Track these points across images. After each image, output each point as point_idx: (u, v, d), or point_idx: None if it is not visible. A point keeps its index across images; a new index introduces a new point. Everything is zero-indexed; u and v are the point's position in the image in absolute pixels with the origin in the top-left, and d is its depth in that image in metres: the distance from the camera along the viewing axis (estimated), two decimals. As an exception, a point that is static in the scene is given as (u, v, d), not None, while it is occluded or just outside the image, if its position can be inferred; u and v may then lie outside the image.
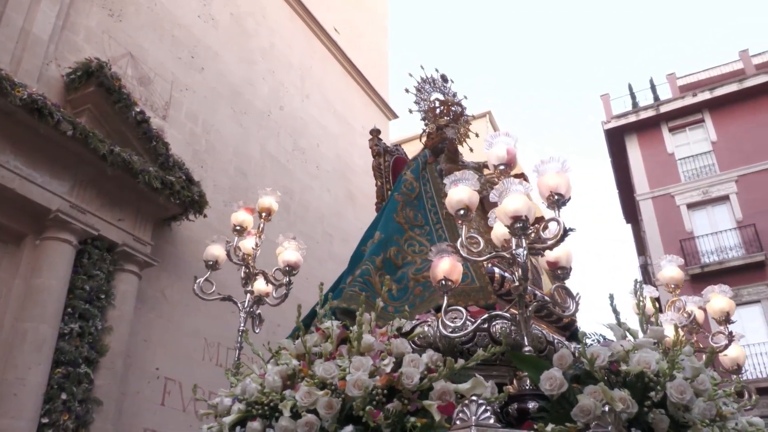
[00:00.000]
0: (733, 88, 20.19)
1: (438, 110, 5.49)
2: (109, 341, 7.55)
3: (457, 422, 2.41)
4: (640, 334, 3.14)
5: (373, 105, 17.18)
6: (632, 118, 21.51)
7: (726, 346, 4.05)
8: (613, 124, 21.75)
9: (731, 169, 19.35)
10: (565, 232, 3.07)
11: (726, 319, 4.08)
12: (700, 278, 16.52)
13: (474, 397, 2.45)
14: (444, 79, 5.65)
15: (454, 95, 5.62)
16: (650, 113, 21.33)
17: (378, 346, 2.99)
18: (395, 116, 18.04)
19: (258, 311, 4.93)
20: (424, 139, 5.46)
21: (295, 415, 2.76)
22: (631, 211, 23.41)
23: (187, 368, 8.84)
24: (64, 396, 6.87)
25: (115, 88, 8.06)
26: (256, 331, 4.87)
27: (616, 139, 21.86)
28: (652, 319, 3.28)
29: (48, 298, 7.06)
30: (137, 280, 8.25)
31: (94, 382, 7.27)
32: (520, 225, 3.03)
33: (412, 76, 5.48)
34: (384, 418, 2.56)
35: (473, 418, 2.34)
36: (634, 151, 21.26)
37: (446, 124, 5.35)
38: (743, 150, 19.32)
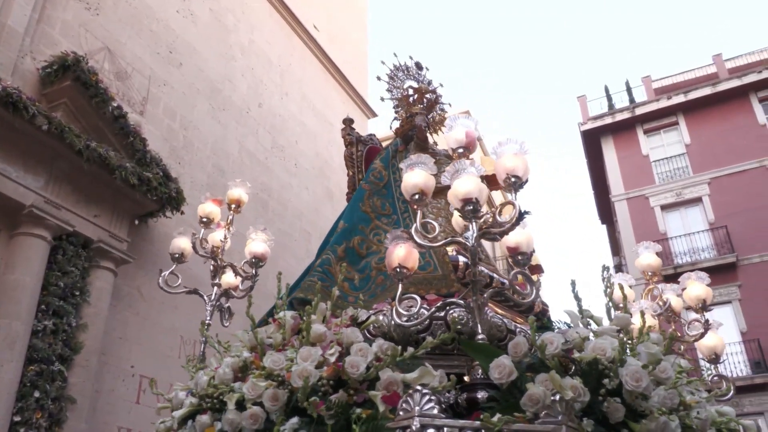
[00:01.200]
0: (706, 91, 20.55)
1: (411, 98, 5.33)
2: (84, 339, 7.46)
3: (401, 413, 2.34)
4: (607, 322, 3.08)
5: (353, 103, 17.17)
6: (608, 120, 21.79)
7: (702, 335, 3.99)
8: (590, 125, 22.00)
9: (704, 171, 19.71)
10: (521, 216, 2.97)
11: (703, 307, 4.01)
12: (673, 279, 16.72)
13: (419, 387, 2.37)
14: (418, 66, 5.49)
15: (429, 83, 5.46)
16: (626, 115, 21.62)
17: (331, 336, 2.91)
18: (374, 115, 18.05)
19: (227, 304, 4.82)
20: (395, 126, 5.32)
21: (244, 407, 2.70)
22: (606, 212, 23.71)
23: (162, 366, 8.76)
24: (37, 394, 6.78)
25: (92, 83, 7.95)
26: (225, 325, 4.80)
27: (592, 141, 22.12)
28: (622, 306, 3.20)
29: (21, 295, 6.96)
30: (113, 277, 8.16)
31: (68, 379, 7.19)
32: (470, 208, 2.92)
33: (384, 63, 5.33)
34: (326, 409, 2.49)
35: (416, 408, 2.27)
36: (609, 152, 21.53)
37: (419, 111, 5.21)
38: (716, 153, 19.68)
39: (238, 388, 2.83)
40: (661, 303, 4.13)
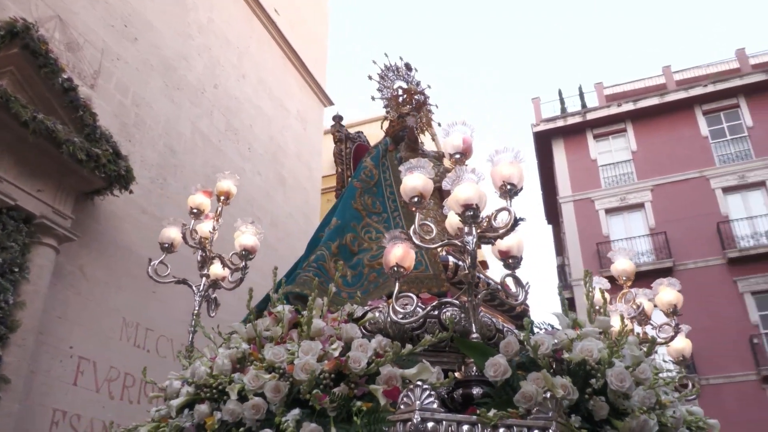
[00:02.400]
0: (654, 101, 21.21)
1: (401, 98, 5.45)
2: (21, 317, 7.18)
3: (402, 406, 2.45)
4: (588, 324, 3.21)
5: (310, 90, 17.03)
6: (560, 123, 22.25)
7: (672, 338, 4.23)
8: (542, 127, 22.43)
9: (648, 178, 20.37)
10: (516, 222, 3.11)
11: (673, 311, 4.25)
12: (612, 280, 17.32)
13: (419, 382, 2.49)
14: (408, 67, 5.60)
15: (418, 84, 5.58)
16: (577, 119, 22.13)
17: (329, 330, 3.02)
18: (331, 103, 17.95)
19: (214, 295, 4.86)
20: (385, 126, 5.43)
21: (243, 398, 2.77)
22: (553, 213, 24.25)
23: (103, 348, 8.55)
24: (-31, 372, 6.53)
25: (42, 52, 7.63)
26: (212, 315, 4.82)
27: (543, 142, 22.56)
28: (601, 310, 3.36)
29: (-44, 269, 6.67)
30: (55, 255, 7.89)
31: (2, 359, 6.91)
32: (471, 213, 3.06)
33: (375, 63, 5.41)
34: (330, 402, 2.60)
35: (417, 402, 2.38)
36: (559, 154, 22.00)
37: (408, 112, 5.32)
38: (660, 161, 20.36)
39: (237, 379, 2.88)
40: (635, 306, 4.35)
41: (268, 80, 14.98)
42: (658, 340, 4.25)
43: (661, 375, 3.32)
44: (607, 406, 2.65)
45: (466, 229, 3.14)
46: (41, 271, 7.61)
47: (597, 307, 3.37)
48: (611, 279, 4.48)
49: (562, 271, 23.08)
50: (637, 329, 4.32)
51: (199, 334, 4.30)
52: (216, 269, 4.85)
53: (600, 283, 4.10)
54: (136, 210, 9.72)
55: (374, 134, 6.21)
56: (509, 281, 3.33)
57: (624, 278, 4.52)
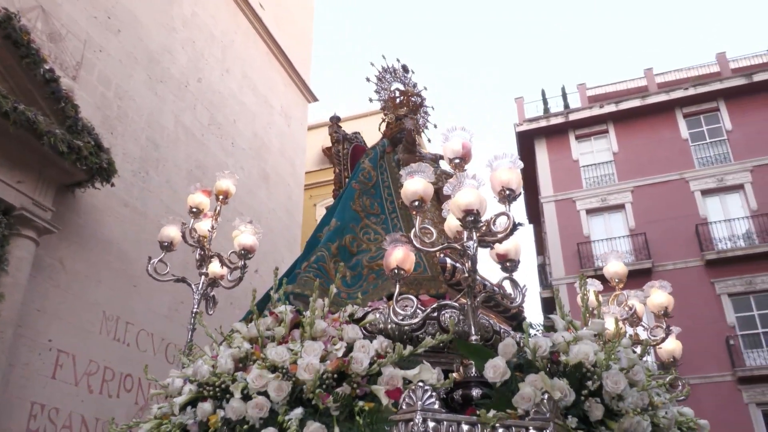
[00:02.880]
0: (636, 103, 21.42)
1: (398, 100, 5.47)
2: (0, 309, 7.13)
3: (404, 406, 2.50)
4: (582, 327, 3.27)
5: (294, 86, 17.00)
6: (543, 123, 22.39)
7: (663, 339, 4.31)
8: (525, 127, 22.55)
9: (628, 179, 20.57)
10: (514, 227, 3.17)
11: (665, 314, 4.32)
12: (603, 280, 17.51)
13: (420, 383, 2.53)
14: (405, 69, 5.62)
15: (415, 86, 5.60)
16: (560, 120, 22.28)
17: (330, 331, 3.07)
18: (315, 99, 17.93)
19: (212, 293, 4.92)
20: (383, 128, 5.46)
21: (246, 397, 2.82)
22: (534, 212, 24.40)
23: (82, 341, 8.50)
24: (-55, 364, 6.46)
25: (24, 42, 7.55)
26: (210, 313, 4.87)
27: (526, 142, 22.69)
28: (594, 312, 3.46)
29: (-67, 260, 6.59)
30: (34, 247, 7.82)
31: (-21, 351, 6.87)
32: (471, 218, 3.10)
33: (374, 65, 5.43)
34: (333, 401, 2.65)
35: (419, 403, 2.43)
36: (542, 154, 22.15)
37: (405, 114, 5.36)
38: (641, 162, 20.58)
39: (240, 377, 2.93)
40: (627, 308, 4.42)
41: (252, 75, 14.93)
42: (651, 341, 4.36)
43: (653, 376, 3.37)
44: (602, 407, 2.71)
45: (467, 234, 3.19)
46: (21, 264, 7.54)
47: (591, 309, 3.44)
48: (601, 279, 4.55)
49: (543, 270, 23.25)
50: (629, 331, 4.41)
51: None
52: (214, 268, 4.90)
53: (593, 285, 4.18)
54: (117, 203, 9.66)
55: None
56: (506, 284, 3.40)
57: (616, 280, 4.58)
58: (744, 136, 19.91)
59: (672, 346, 4.41)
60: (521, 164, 3.30)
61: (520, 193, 3.27)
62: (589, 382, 2.73)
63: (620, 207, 20.38)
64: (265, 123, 15.14)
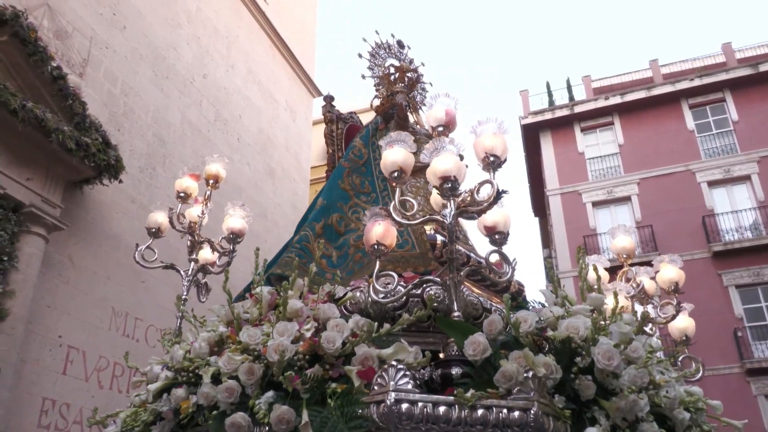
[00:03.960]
0: (641, 95, 21.33)
1: (392, 77, 5.29)
2: (11, 306, 7.17)
3: (375, 387, 2.39)
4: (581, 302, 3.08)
5: (299, 80, 16.99)
6: (548, 116, 22.33)
7: (673, 317, 4.06)
8: (530, 119, 22.50)
9: (634, 171, 20.51)
10: (499, 195, 2.99)
11: (675, 290, 4.07)
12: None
13: (394, 363, 2.41)
14: (400, 44, 5.44)
15: (411, 62, 5.41)
16: (565, 112, 22.21)
17: (307, 311, 2.93)
18: (320, 94, 17.91)
19: (204, 280, 4.80)
20: (375, 104, 5.25)
21: (219, 381, 2.71)
22: (540, 205, 24.39)
23: (92, 337, 8.55)
24: (-42, 361, 6.51)
25: (31, 40, 7.57)
26: (203, 300, 4.78)
27: (531, 135, 22.65)
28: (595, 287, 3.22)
29: (-56, 257, 6.63)
30: (44, 244, 7.86)
31: (-9, 347, 6.92)
32: (449, 185, 2.93)
33: (366, 41, 5.25)
34: (302, 383, 2.51)
35: (391, 383, 2.31)
36: (547, 147, 22.10)
37: (400, 90, 5.18)
38: (646, 154, 20.52)
39: (213, 362, 2.83)
40: (635, 285, 4.20)
41: (257, 70, 14.93)
42: (659, 318, 4.15)
43: (657, 354, 3.17)
44: (593, 385, 2.52)
45: (437, 207, 3.03)
46: (30, 260, 7.58)
47: (592, 285, 3.26)
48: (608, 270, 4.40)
49: (549, 263, 23.24)
50: (639, 308, 4.19)
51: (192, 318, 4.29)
52: (205, 254, 4.78)
53: (600, 261, 3.98)
54: (125, 199, 9.69)
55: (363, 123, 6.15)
56: (495, 258, 3.15)
57: (624, 256, 4.37)
58: (750, 126, 19.82)
59: (684, 323, 4.14)
60: (507, 130, 3.11)
61: (505, 160, 3.04)
62: (579, 359, 2.56)
63: (626, 199, 20.34)
64: (270, 118, 15.15)
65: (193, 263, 4.73)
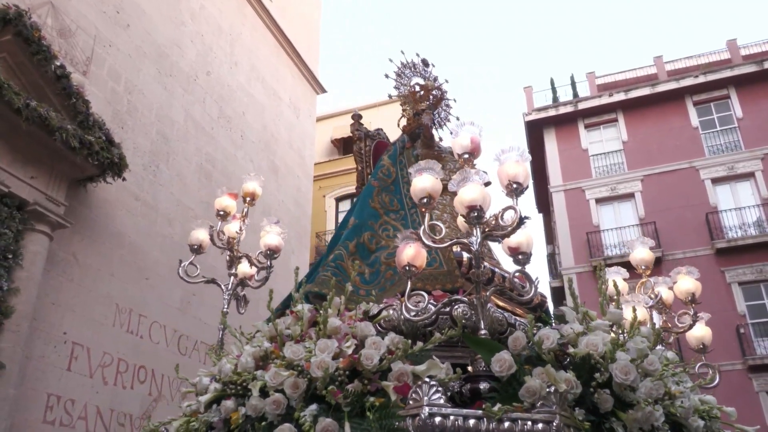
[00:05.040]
0: (645, 91, 21.25)
1: (418, 95, 5.42)
2: (15, 303, 7.26)
3: (411, 402, 2.52)
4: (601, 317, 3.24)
5: (302, 77, 17.03)
6: (552, 112, 22.27)
7: (690, 326, 4.22)
8: (534, 116, 22.45)
9: (638, 168, 20.47)
10: (521, 220, 3.17)
11: (692, 300, 4.24)
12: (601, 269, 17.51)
13: (427, 378, 2.54)
14: (425, 63, 5.58)
15: (435, 79, 5.55)
16: (569, 109, 22.15)
17: (345, 329, 3.11)
18: (324, 91, 17.95)
19: (243, 293, 5.04)
20: (402, 123, 5.44)
21: (266, 394, 2.88)
22: (543, 202, 24.36)
23: (96, 334, 8.63)
24: (-37, 358, 6.58)
25: (35, 39, 7.63)
26: (241, 312, 4.98)
27: (535, 131, 22.60)
28: (614, 301, 3.37)
29: (-50, 255, 6.70)
30: (48, 241, 7.94)
31: (-3, 344, 7.00)
32: (475, 214, 3.13)
33: (392, 61, 5.39)
34: (343, 398, 2.69)
35: (425, 398, 2.45)
36: (551, 144, 22.06)
37: (425, 109, 5.32)
38: (650, 151, 20.47)
39: (260, 375, 3.01)
40: (653, 295, 4.33)
41: (260, 68, 14.97)
42: (677, 328, 4.31)
43: (671, 365, 3.29)
44: (611, 398, 2.70)
45: (463, 227, 3.21)
46: (35, 258, 7.66)
47: (611, 298, 3.39)
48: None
49: (552, 259, 23.24)
50: (657, 319, 4.34)
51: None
52: (244, 268, 5.00)
53: (619, 273, 4.13)
54: (128, 197, 9.76)
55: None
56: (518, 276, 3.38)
57: (643, 267, 4.47)
58: (755, 123, 19.75)
59: (701, 332, 4.29)
60: (529, 157, 3.30)
61: (527, 187, 3.27)
62: (597, 374, 2.71)
63: (630, 196, 20.29)
64: (274, 115, 15.19)
65: (232, 277, 4.94)
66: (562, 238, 20.43)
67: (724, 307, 17.50)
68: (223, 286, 4.94)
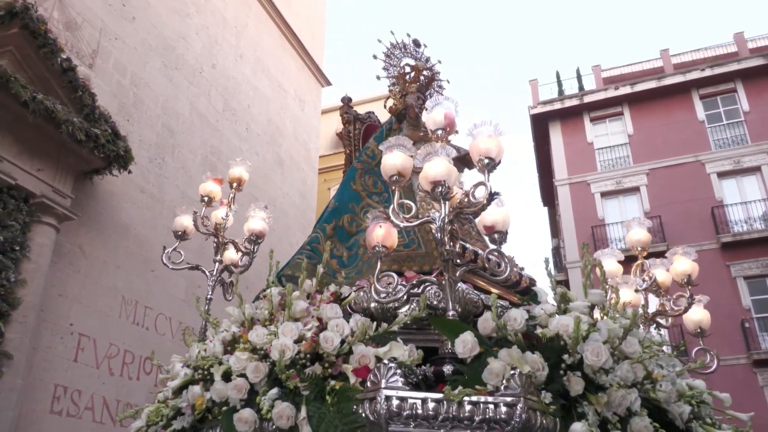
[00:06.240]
0: (651, 85, 21.18)
1: (408, 76, 5.28)
2: (23, 294, 7.31)
3: (368, 385, 2.49)
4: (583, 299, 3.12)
5: (307, 70, 17.01)
6: (557, 106, 22.23)
7: (686, 309, 4.07)
8: (539, 109, 22.41)
9: (643, 162, 20.42)
10: (491, 196, 3.05)
11: (688, 282, 4.08)
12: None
13: (386, 361, 2.50)
14: (416, 43, 5.40)
15: (427, 60, 5.38)
16: (574, 102, 22.10)
17: (314, 312, 3.06)
18: (329, 83, 17.93)
19: (230, 279, 4.97)
20: (389, 105, 5.27)
21: (231, 379, 2.85)
22: (548, 195, 24.34)
23: (102, 325, 8.69)
24: (-29, 348, 6.64)
25: (41, 32, 7.64)
26: (229, 299, 4.92)
27: (540, 125, 22.57)
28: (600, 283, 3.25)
29: (-42, 247, 6.76)
30: (55, 233, 7.99)
31: (4, 335, 7.05)
32: (440, 190, 2.98)
33: (381, 42, 5.23)
34: (301, 381, 2.64)
35: (383, 381, 2.41)
36: (556, 137, 22.03)
37: (412, 90, 5.17)
38: (656, 145, 20.41)
39: (225, 360, 2.98)
40: (647, 278, 4.21)
41: (265, 60, 14.97)
42: (672, 311, 4.17)
43: (657, 347, 3.18)
44: (581, 381, 2.57)
45: (436, 207, 3.09)
46: (42, 250, 7.71)
47: (607, 279, 3.28)
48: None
49: (557, 253, 23.24)
50: (654, 301, 4.23)
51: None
52: (230, 254, 4.98)
53: (613, 254, 4.02)
54: (134, 189, 9.80)
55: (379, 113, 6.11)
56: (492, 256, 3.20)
57: (639, 248, 4.37)
58: (761, 117, 19.66)
59: (699, 316, 4.14)
60: (502, 131, 3.16)
61: (499, 162, 3.11)
62: (566, 355, 2.61)
63: (635, 190, 20.27)
64: (279, 108, 15.20)
65: (217, 263, 4.92)
66: (567, 231, 20.42)
67: (729, 301, 17.48)
68: (207, 273, 4.92)
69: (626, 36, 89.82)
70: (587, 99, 21.98)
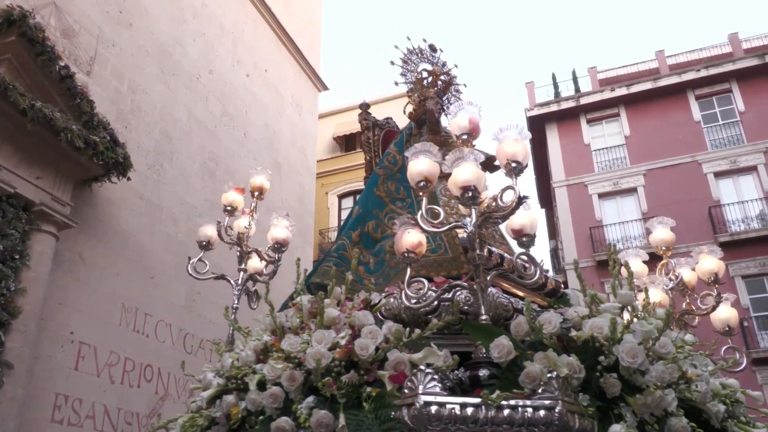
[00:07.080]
0: (647, 86, 21.22)
1: (425, 81, 5.31)
2: (23, 303, 7.29)
3: (406, 391, 2.49)
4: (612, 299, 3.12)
5: (304, 75, 17.03)
6: (554, 108, 22.26)
7: (713, 308, 4.05)
8: (536, 111, 22.43)
9: (640, 163, 20.46)
10: (520, 200, 3.06)
11: (714, 281, 4.07)
12: (605, 264, 17.51)
13: (423, 367, 2.50)
14: (432, 48, 5.44)
15: (443, 65, 5.42)
16: (571, 104, 22.14)
17: (345, 319, 3.06)
18: (326, 88, 17.94)
19: (254, 288, 5.00)
20: (408, 110, 5.30)
21: (265, 387, 2.85)
22: (546, 197, 24.36)
23: (102, 333, 8.67)
24: (-28, 358, 6.62)
25: (39, 40, 7.65)
26: (253, 307, 4.94)
27: (537, 127, 22.58)
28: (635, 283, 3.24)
29: (-43, 256, 6.73)
30: (54, 241, 7.98)
31: (5, 344, 7.03)
32: (470, 195, 3.02)
33: (398, 48, 5.26)
34: (338, 389, 2.65)
35: (420, 387, 2.41)
36: (553, 139, 22.05)
37: (431, 95, 5.20)
38: (652, 145, 20.46)
39: (259, 369, 2.98)
40: (673, 277, 4.19)
41: (262, 65, 14.98)
42: (700, 310, 4.15)
43: (689, 347, 3.19)
44: (618, 383, 2.58)
45: (466, 211, 3.11)
46: (41, 258, 7.69)
47: (634, 280, 3.26)
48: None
49: (555, 254, 23.25)
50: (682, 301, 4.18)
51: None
52: (254, 263, 4.99)
53: (638, 255, 4.00)
54: (133, 196, 9.79)
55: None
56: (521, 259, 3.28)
57: (663, 248, 4.34)
58: (757, 117, 19.72)
59: (726, 314, 4.11)
60: (528, 135, 3.19)
61: (526, 165, 3.14)
62: (602, 357, 2.61)
63: (632, 190, 20.30)
64: (276, 113, 15.20)
65: (242, 273, 4.92)
66: (565, 233, 20.44)
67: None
68: (232, 282, 4.92)
69: (622, 37, 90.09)
70: (583, 101, 22.02)
